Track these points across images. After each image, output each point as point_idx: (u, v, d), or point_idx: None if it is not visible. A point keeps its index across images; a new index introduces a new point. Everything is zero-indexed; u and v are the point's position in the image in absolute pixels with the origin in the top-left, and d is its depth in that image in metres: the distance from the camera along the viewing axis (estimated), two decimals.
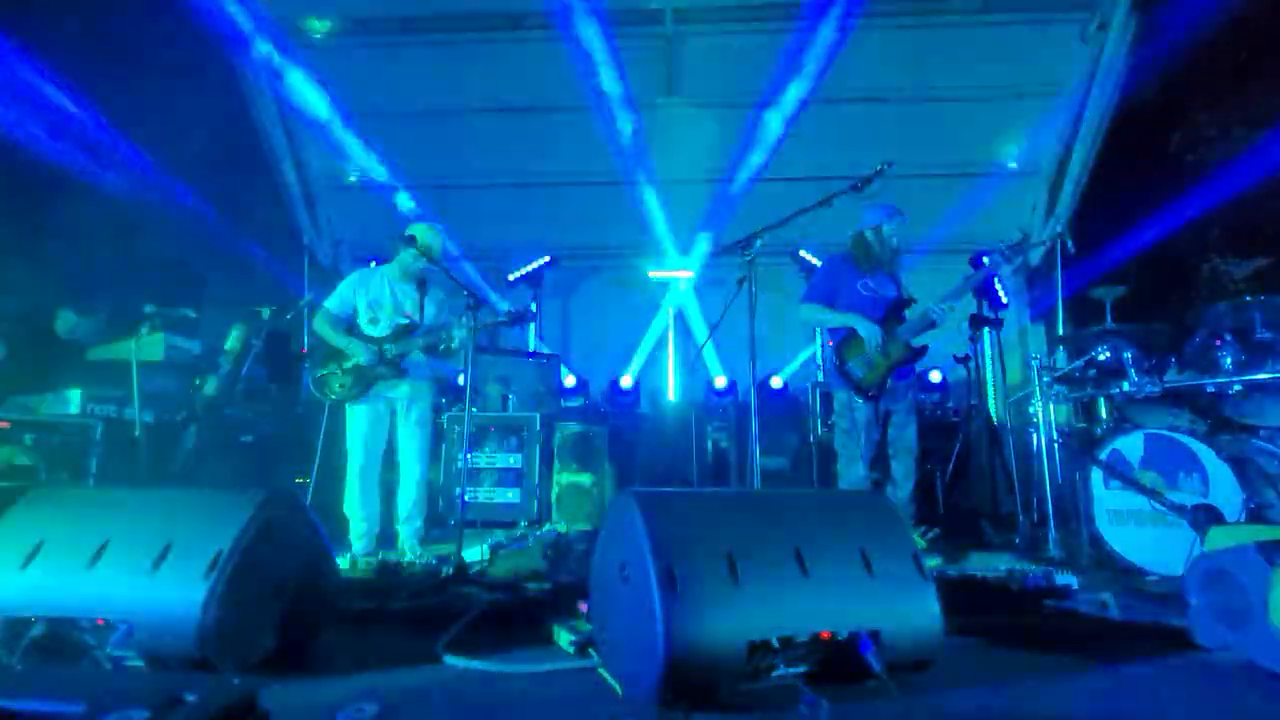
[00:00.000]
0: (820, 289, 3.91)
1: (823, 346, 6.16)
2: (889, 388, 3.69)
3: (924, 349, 3.72)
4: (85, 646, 1.85)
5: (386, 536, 3.81)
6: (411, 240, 3.72)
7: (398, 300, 3.78)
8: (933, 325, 3.67)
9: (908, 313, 3.76)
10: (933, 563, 3.38)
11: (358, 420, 3.69)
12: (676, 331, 7.14)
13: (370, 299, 3.76)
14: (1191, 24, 5.15)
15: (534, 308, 6.86)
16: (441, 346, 3.77)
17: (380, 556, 3.53)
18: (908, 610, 1.84)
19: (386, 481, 3.83)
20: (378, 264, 4.08)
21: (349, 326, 3.73)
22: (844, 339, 3.78)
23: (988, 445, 4.77)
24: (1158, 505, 3.12)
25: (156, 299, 4.34)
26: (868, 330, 3.68)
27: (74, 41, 4.60)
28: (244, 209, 6.01)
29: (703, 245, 6.75)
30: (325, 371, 3.70)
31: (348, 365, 3.67)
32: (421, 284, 3.85)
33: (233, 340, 4.68)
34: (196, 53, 5.32)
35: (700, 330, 7.03)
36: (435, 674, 2.04)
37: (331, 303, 3.76)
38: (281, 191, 6.45)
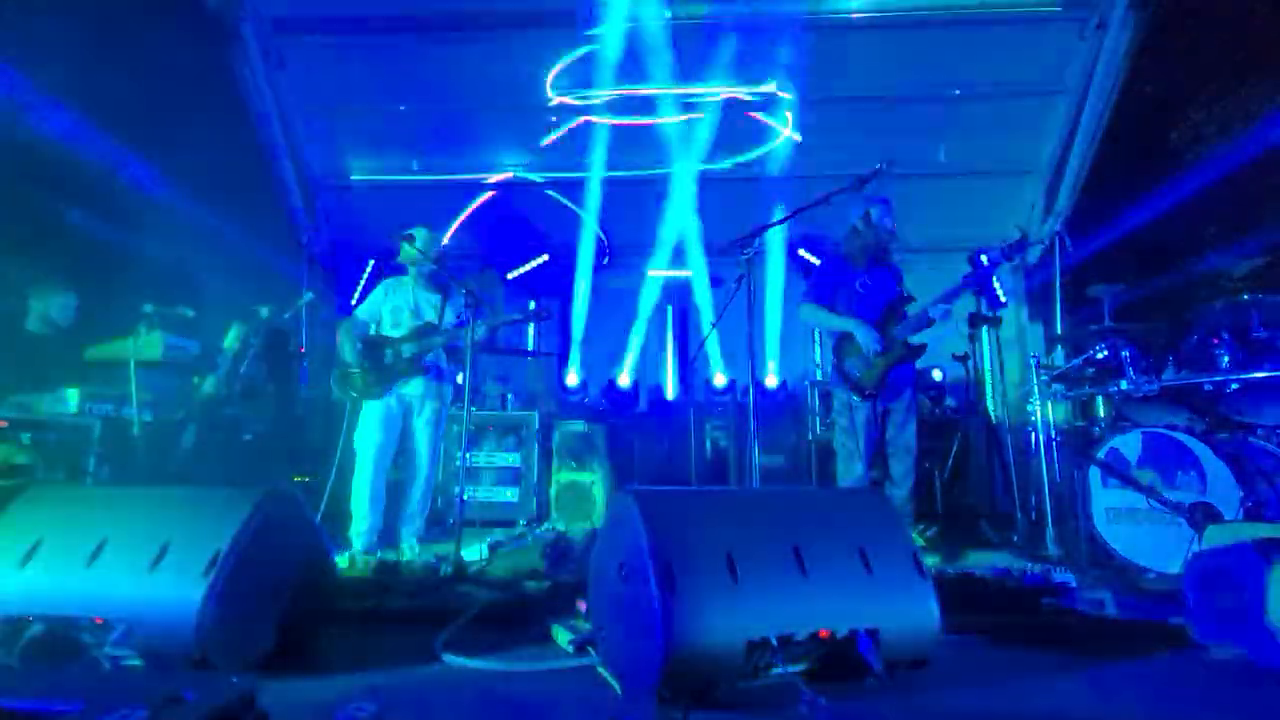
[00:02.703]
0: (819, 289, 3.91)
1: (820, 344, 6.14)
2: (887, 386, 3.70)
3: (922, 348, 3.72)
4: (84, 645, 1.84)
5: (386, 535, 3.81)
6: (410, 240, 3.79)
7: (419, 305, 3.86)
8: (930, 324, 3.67)
9: (906, 310, 3.77)
10: (931, 561, 3.39)
11: (373, 417, 3.71)
12: (675, 330, 7.14)
13: (395, 304, 3.85)
14: (1190, 22, 5.16)
15: (533, 306, 6.87)
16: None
17: (379, 555, 3.54)
18: (906, 609, 1.84)
19: (391, 480, 3.84)
20: (377, 263, 4.13)
21: (368, 335, 3.79)
22: (842, 338, 3.79)
23: (986, 444, 4.78)
24: (1155, 503, 3.13)
25: (155, 298, 4.33)
26: (865, 335, 3.68)
27: (70, 40, 4.59)
28: (243, 207, 5.99)
29: (702, 244, 6.73)
30: (347, 369, 3.71)
31: (369, 364, 3.71)
32: (444, 290, 3.93)
33: (231, 339, 4.67)
34: (194, 50, 5.31)
35: (699, 329, 7.02)
36: (434, 673, 2.04)
37: (361, 311, 3.87)
38: (281, 190, 6.42)
